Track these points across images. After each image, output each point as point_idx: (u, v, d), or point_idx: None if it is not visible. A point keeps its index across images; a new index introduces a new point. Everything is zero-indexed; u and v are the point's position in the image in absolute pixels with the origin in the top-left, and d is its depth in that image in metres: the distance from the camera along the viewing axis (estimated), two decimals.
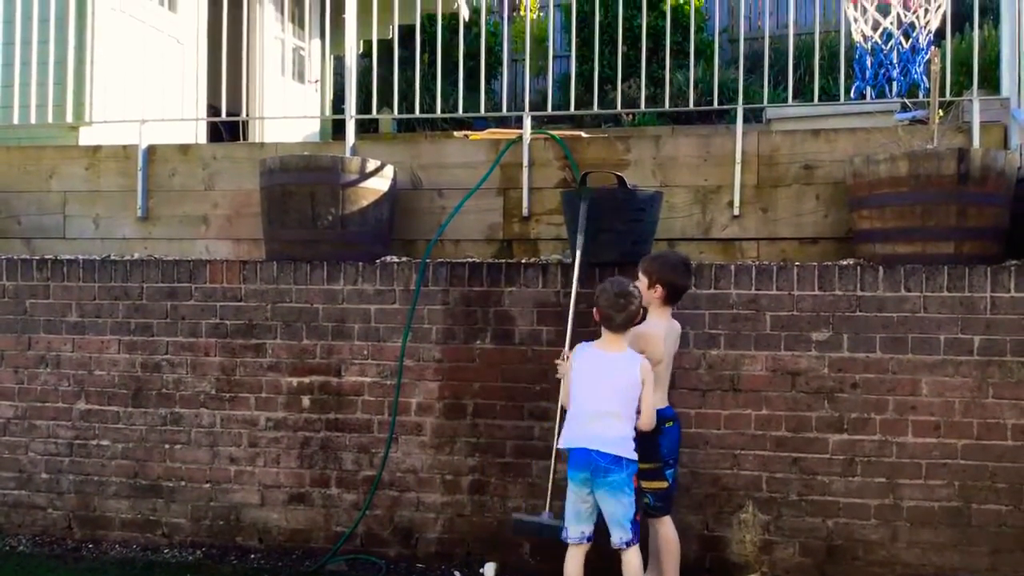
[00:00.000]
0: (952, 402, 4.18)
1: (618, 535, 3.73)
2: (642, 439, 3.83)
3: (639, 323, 3.93)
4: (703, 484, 4.38)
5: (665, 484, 3.95)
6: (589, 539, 3.80)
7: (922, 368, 4.21)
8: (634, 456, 3.72)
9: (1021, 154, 4.57)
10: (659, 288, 3.94)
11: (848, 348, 4.28)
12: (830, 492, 4.29)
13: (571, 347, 4.02)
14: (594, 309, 3.86)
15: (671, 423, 3.99)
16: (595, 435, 3.71)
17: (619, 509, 3.71)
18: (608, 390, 3.77)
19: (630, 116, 9.56)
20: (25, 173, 5.80)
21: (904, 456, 4.22)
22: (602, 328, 3.85)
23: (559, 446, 3.87)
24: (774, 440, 4.34)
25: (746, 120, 5.13)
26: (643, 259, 4.07)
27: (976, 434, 4.16)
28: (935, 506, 4.20)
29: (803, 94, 6.61)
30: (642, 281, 3.97)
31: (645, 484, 3.89)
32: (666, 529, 3.98)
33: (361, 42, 7.71)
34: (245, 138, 7.92)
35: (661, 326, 3.97)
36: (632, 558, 3.75)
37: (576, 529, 3.79)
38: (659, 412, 3.91)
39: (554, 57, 6.05)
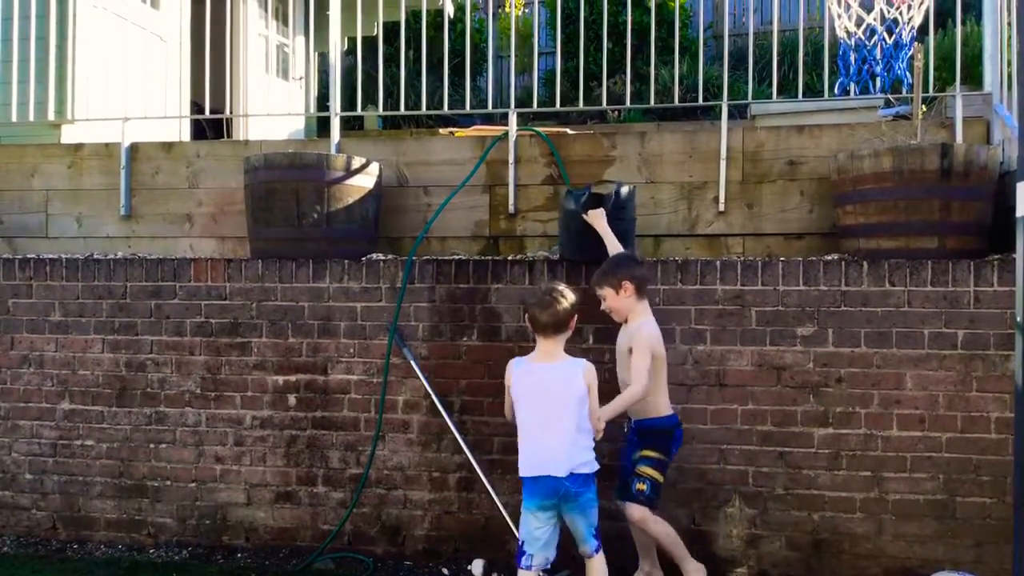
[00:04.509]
0: (936, 396, 4.21)
1: (586, 547, 3.76)
2: (659, 433, 3.94)
3: (633, 324, 3.97)
4: (689, 479, 4.39)
5: (662, 479, 3.99)
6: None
7: (906, 362, 4.23)
8: (597, 466, 3.72)
9: (1003, 149, 4.59)
10: (627, 285, 3.94)
11: (833, 343, 4.30)
12: (816, 486, 4.31)
13: None
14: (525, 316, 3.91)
15: (681, 426, 4.08)
16: (558, 460, 3.64)
17: (586, 524, 3.73)
18: (557, 404, 3.70)
19: (616, 112, 9.55)
20: (6, 172, 5.74)
21: (889, 450, 4.24)
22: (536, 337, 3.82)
23: (521, 474, 3.74)
24: (760, 434, 4.36)
25: (731, 116, 5.14)
26: (592, 280, 4.10)
27: (960, 427, 4.19)
28: (920, 499, 4.23)
29: (787, 90, 6.62)
30: (607, 293, 3.98)
31: (649, 471, 3.93)
32: (655, 524, 3.99)
33: (346, 39, 7.67)
34: (229, 136, 7.87)
35: (653, 322, 4.00)
36: (599, 564, 3.77)
37: (542, 556, 3.72)
38: (669, 418, 3.99)
39: (539, 54, 6.05)
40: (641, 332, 3.92)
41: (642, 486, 3.93)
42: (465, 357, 4.63)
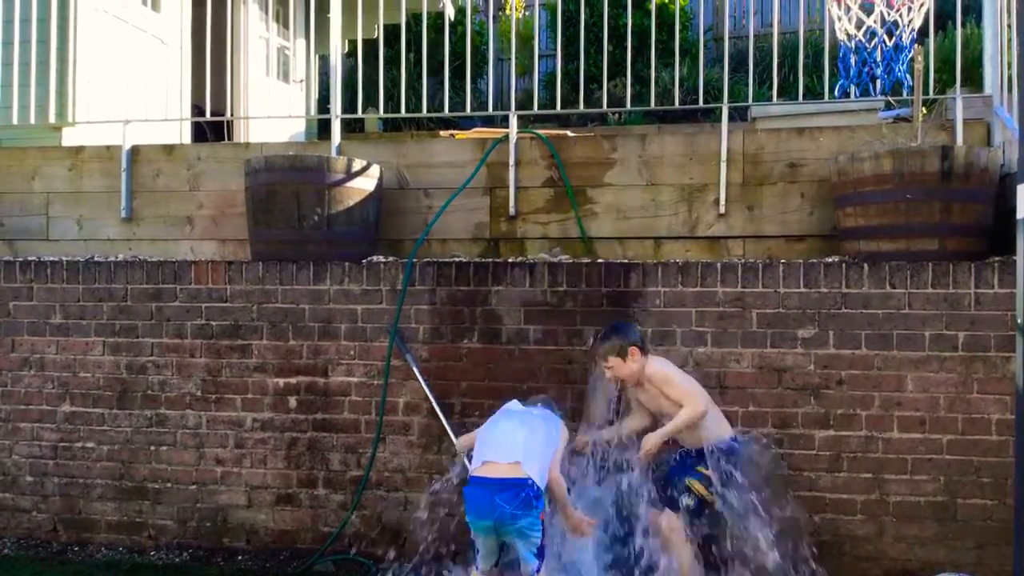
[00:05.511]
0: (937, 398, 4.21)
1: (526, 567, 3.70)
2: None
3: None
4: None
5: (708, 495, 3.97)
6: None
7: (907, 364, 4.23)
8: (542, 500, 3.66)
9: (1004, 151, 4.59)
10: (633, 351, 3.98)
11: (834, 345, 4.30)
12: (817, 488, 4.31)
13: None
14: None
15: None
16: (515, 446, 3.77)
17: (525, 547, 3.68)
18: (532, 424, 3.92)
19: (616, 115, 9.57)
20: (7, 174, 5.74)
21: (890, 452, 4.24)
22: None
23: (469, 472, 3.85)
24: (761, 437, 4.35)
25: (731, 118, 5.14)
26: (595, 352, 4.12)
27: (961, 429, 4.19)
28: (921, 501, 4.22)
29: (788, 92, 6.62)
30: (614, 363, 4.00)
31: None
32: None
33: (346, 41, 7.68)
34: (230, 138, 7.87)
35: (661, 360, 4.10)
36: None
37: (485, 563, 3.79)
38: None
39: (540, 56, 6.07)
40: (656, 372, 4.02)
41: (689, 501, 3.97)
42: (466, 359, 4.63)
